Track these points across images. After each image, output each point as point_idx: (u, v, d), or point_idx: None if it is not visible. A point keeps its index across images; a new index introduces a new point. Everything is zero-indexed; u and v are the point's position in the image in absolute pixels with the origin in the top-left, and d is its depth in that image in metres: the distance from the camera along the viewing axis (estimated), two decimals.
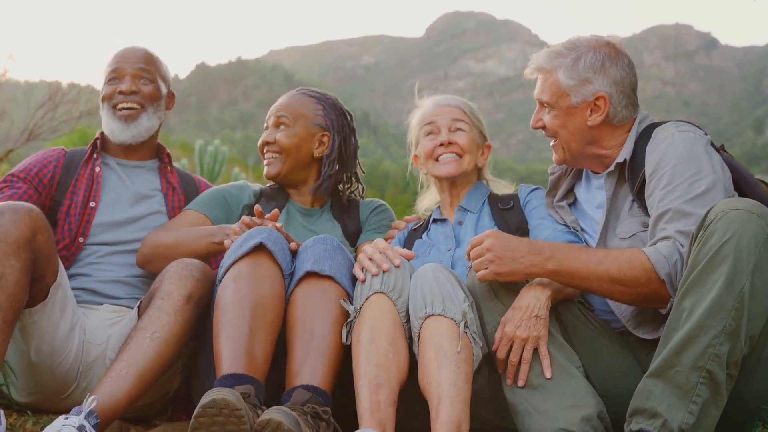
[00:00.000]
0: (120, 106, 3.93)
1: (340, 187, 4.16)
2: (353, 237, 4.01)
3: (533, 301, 3.07)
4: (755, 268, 2.64)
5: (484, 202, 3.85)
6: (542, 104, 3.46)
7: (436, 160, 3.85)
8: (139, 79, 3.98)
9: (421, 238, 3.90)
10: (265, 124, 4.07)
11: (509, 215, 3.71)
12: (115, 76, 3.96)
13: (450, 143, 3.84)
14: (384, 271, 3.16)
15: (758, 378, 2.83)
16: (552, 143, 3.52)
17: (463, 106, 3.92)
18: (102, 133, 4.04)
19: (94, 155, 3.94)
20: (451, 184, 3.90)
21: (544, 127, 3.48)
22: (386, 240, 3.97)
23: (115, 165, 3.98)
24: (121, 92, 3.93)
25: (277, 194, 4.05)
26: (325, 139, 4.02)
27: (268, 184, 4.16)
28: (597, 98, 3.33)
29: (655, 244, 2.98)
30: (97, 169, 3.90)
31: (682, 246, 2.90)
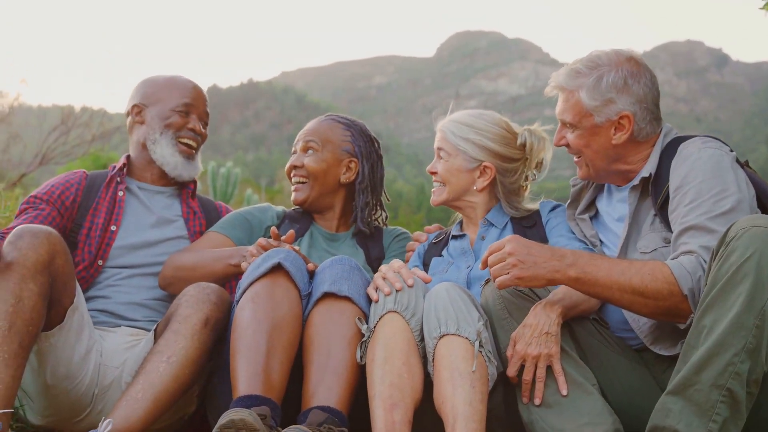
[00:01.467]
0: (184, 141, 3.99)
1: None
2: (376, 263, 3.99)
3: (543, 318, 3.04)
4: None
5: (508, 219, 3.81)
6: (564, 123, 3.43)
7: None
8: (203, 121, 4.07)
9: (440, 255, 3.90)
10: (293, 149, 4.09)
11: (531, 234, 3.68)
12: (187, 110, 4.00)
13: (432, 173, 3.87)
14: (396, 291, 3.16)
15: None
16: (576, 159, 3.49)
17: (446, 132, 3.84)
18: (128, 157, 4.06)
19: (118, 179, 3.95)
20: (454, 208, 3.93)
21: (567, 145, 3.46)
22: (408, 251, 4.02)
23: (136, 189, 3.99)
24: (191, 129, 3.99)
25: (301, 218, 4.07)
26: (353, 165, 4.04)
27: (292, 207, 4.17)
28: (621, 117, 3.28)
29: (677, 257, 2.95)
30: (120, 193, 3.90)
31: (705, 262, 2.86)
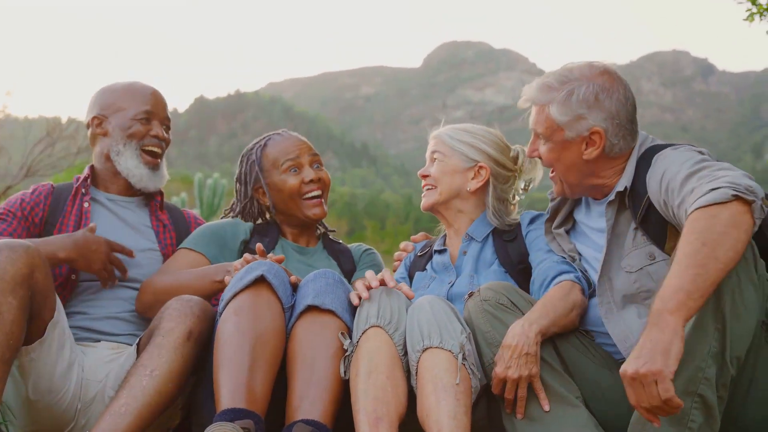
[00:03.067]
0: (149, 148, 3.92)
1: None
2: (349, 275, 4.01)
3: (522, 338, 3.01)
4: (734, 288, 2.64)
5: (489, 232, 3.79)
6: (537, 135, 3.40)
7: None
8: (164, 125, 4.01)
9: (423, 269, 3.90)
10: (295, 162, 4.00)
11: (511, 248, 3.68)
12: (148, 117, 3.94)
13: (424, 176, 3.87)
14: (372, 287, 3.17)
15: (753, 402, 2.83)
16: (551, 174, 3.46)
17: (441, 136, 3.86)
18: (92, 167, 4.00)
19: (83, 190, 3.88)
20: (439, 215, 3.91)
21: (540, 157, 3.43)
22: (395, 261, 4.09)
23: (104, 200, 3.93)
24: (155, 136, 3.93)
25: (269, 231, 4.04)
26: None
27: (258, 221, 4.15)
28: (592, 133, 3.23)
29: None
30: (86, 204, 3.83)
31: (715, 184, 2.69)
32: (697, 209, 2.64)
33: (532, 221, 3.77)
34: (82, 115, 4.06)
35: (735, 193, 2.59)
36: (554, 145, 3.32)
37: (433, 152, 3.85)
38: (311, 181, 3.97)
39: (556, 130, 3.29)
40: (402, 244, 4.18)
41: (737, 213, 2.59)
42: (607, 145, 3.24)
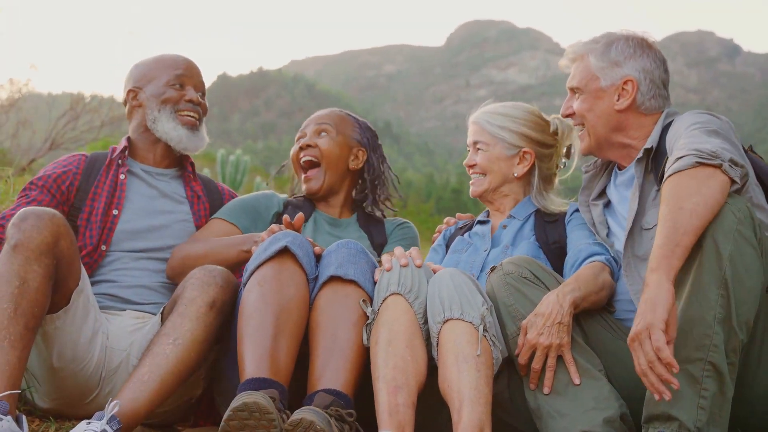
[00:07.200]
0: (186, 113, 3.93)
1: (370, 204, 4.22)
2: (379, 249, 4.02)
3: (556, 307, 3.04)
4: (733, 253, 2.66)
5: (532, 213, 3.82)
6: (573, 91, 3.51)
7: None
8: (199, 91, 4.02)
9: (463, 236, 3.93)
10: (301, 133, 4.10)
11: (550, 228, 3.71)
12: (181, 82, 3.95)
13: (471, 165, 3.88)
14: (402, 266, 3.17)
15: (766, 366, 2.83)
16: (579, 132, 3.55)
17: (481, 122, 3.87)
18: (129, 139, 4.01)
19: (119, 161, 3.89)
20: (486, 201, 3.93)
21: (573, 114, 3.52)
22: (436, 233, 4.15)
23: (140, 171, 3.94)
24: (189, 100, 3.94)
25: (304, 204, 4.06)
26: (360, 154, 4.10)
27: (294, 195, 4.18)
28: (625, 82, 3.38)
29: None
30: (122, 176, 3.84)
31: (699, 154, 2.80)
32: (666, 178, 2.79)
33: (577, 210, 3.77)
34: (105, 91, 4.08)
35: (698, 160, 2.73)
36: (588, 95, 3.45)
37: (476, 142, 3.87)
38: (302, 146, 4.04)
39: (591, 79, 3.44)
40: (446, 219, 4.25)
41: (704, 176, 2.71)
42: (638, 98, 3.38)
